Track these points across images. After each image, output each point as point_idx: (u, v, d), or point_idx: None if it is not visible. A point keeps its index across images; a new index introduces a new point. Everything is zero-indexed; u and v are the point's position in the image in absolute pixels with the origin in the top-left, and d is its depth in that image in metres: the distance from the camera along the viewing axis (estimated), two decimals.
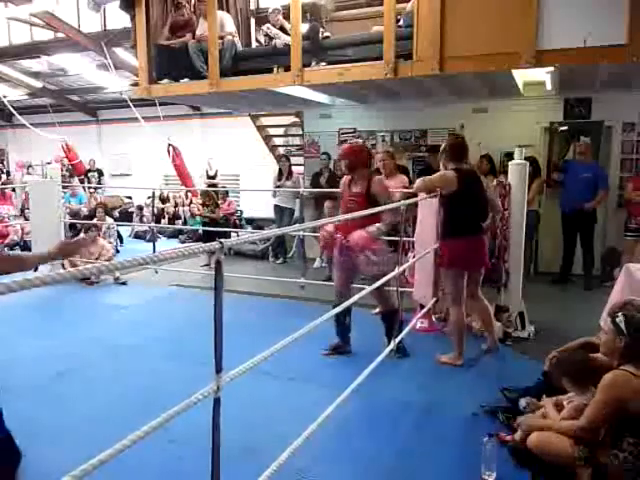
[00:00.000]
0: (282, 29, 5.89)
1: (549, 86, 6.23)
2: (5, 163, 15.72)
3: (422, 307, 4.51)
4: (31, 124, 11.22)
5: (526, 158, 4.86)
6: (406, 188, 5.01)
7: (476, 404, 3.23)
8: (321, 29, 5.53)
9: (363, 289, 3.07)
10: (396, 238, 4.15)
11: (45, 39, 10.88)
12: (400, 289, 4.46)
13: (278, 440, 2.26)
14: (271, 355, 1.96)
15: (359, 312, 4.62)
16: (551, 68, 5.11)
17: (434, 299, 4.45)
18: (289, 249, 8.22)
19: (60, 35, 10.19)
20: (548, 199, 6.87)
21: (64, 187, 8.26)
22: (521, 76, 5.75)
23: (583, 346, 2.98)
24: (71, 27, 9.85)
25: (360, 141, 3.98)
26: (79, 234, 7.50)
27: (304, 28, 5.46)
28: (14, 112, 11.54)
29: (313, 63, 5.40)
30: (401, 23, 5.10)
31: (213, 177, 11.10)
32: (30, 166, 14.10)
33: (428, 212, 4.35)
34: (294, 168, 8.12)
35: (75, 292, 6.25)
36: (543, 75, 5.72)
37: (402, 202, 3.71)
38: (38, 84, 13.16)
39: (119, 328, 5.08)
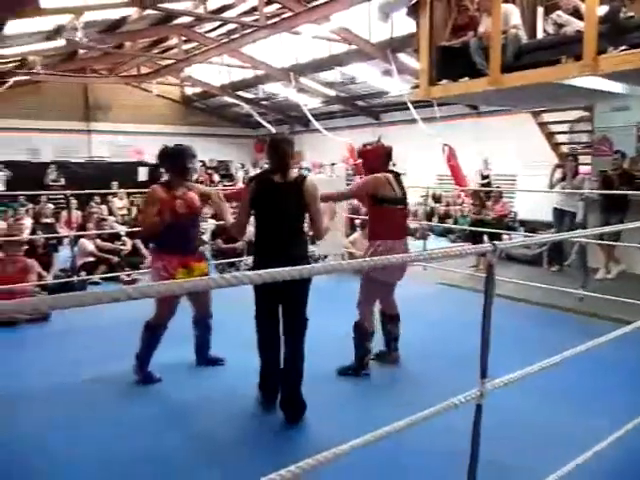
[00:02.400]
0: (575, 13, 5.34)
1: None
2: (303, 163, 18.10)
3: None
4: (324, 128, 12.66)
5: None
6: None
7: None
8: (623, 9, 4.86)
9: None
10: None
11: (339, 52, 12.13)
12: None
13: (536, 464, 2.10)
14: (542, 370, 1.82)
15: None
16: None
17: None
18: (567, 256, 7.50)
19: (353, 47, 11.23)
20: None
21: (347, 184, 9.08)
22: None
23: None
24: (362, 39, 10.77)
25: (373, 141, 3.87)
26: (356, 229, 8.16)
27: (602, 10, 4.87)
28: (311, 118, 13.21)
29: (610, 49, 4.79)
30: None
31: (486, 177, 10.80)
32: (321, 165, 15.96)
33: None
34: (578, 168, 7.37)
35: (348, 282, 6.82)
36: None
37: None
38: (331, 93, 14.77)
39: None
